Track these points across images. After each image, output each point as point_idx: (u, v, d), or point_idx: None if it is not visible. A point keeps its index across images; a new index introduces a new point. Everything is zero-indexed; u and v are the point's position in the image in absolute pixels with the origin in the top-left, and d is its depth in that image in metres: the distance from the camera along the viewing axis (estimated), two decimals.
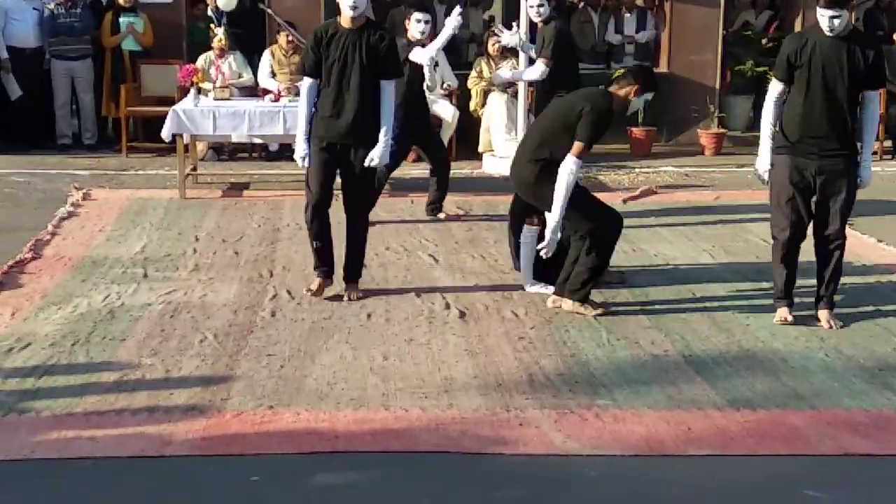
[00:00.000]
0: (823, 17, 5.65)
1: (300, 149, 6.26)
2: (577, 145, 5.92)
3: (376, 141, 6.17)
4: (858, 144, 5.83)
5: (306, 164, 6.23)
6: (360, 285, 6.52)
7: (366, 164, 6.19)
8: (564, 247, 6.14)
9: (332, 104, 6.17)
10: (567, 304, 6.12)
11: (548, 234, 5.99)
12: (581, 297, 6.09)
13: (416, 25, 8.15)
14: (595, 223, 6.05)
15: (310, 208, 6.28)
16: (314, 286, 6.36)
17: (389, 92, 6.24)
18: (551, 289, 6.23)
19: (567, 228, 6.07)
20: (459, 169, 10.19)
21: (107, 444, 4.42)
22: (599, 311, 6.09)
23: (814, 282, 6.03)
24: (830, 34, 5.66)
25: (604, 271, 6.25)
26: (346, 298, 6.33)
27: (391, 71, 6.26)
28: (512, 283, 6.67)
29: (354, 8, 6.09)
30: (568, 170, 5.90)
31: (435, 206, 8.49)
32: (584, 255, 6.06)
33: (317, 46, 6.19)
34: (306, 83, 6.29)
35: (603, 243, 6.08)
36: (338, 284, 6.45)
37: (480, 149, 10.82)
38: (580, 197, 6.08)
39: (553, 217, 5.95)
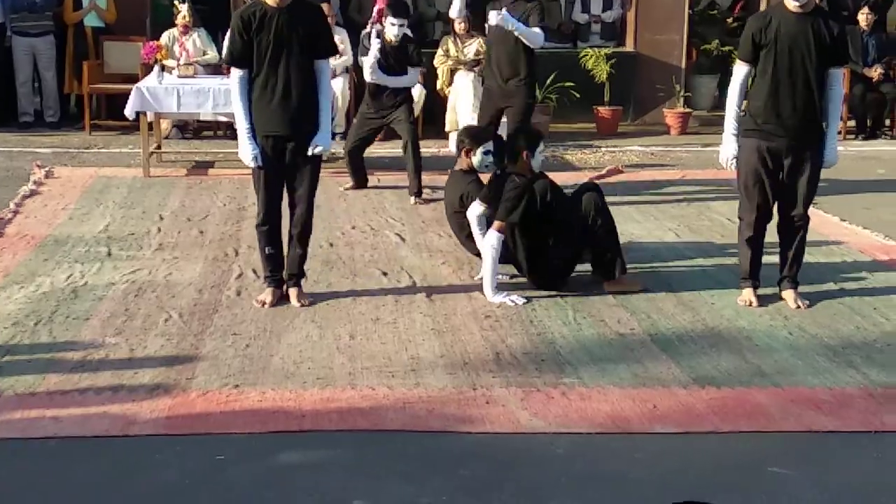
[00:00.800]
0: None
1: (247, 149, 5.68)
2: (497, 223, 6.00)
3: (317, 127, 5.76)
4: (823, 124, 5.85)
5: (259, 163, 5.71)
6: (328, 266, 6.48)
7: (310, 151, 5.72)
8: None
9: (270, 92, 5.65)
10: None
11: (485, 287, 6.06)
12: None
13: (391, 29, 8.29)
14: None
15: (261, 214, 5.82)
16: (267, 297, 5.86)
17: (326, 72, 5.83)
18: (519, 300, 5.94)
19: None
20: (426, 148, 10.14)
21: (71, 424, 4.39)
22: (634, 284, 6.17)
23: (777, 260, 6.07)
24: (798, 7, 5.66)
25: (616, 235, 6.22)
26: (297, 304, 5.86)
27: (326, 48, 5.83)
28: (479, 262, 6.66)
29: None
30: (489, 244, 5.98)
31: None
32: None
33: (245, 31, 5.62)
34: (236, 75, 5.71)
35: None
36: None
37: (447, 128, 10.77)
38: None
39: (485, 282, 6.04)
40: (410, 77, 8.62)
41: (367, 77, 8.54)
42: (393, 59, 8.57)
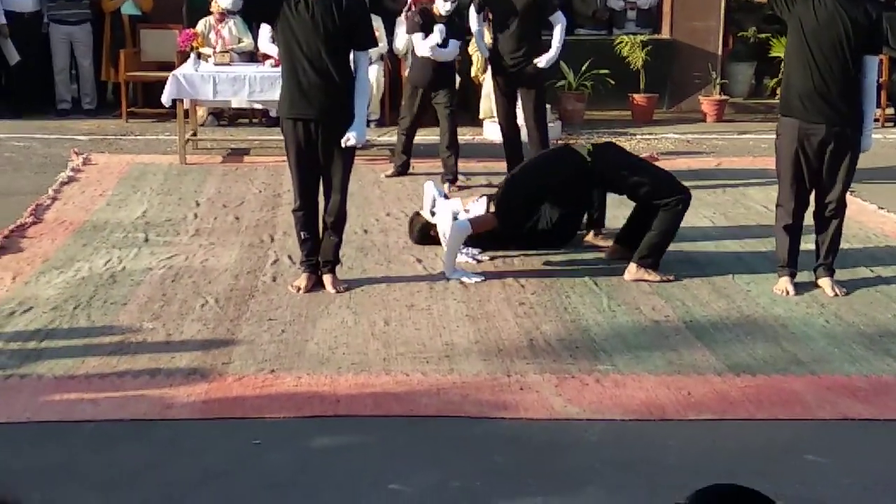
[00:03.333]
0: None
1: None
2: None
3: (352, 117, 5.68)
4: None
5: None
6: (363, 252, 6.50)
7: (343, 143, 5.67)
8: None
9: (303, 77, 5.61)
10: (633, 270, 6.13)
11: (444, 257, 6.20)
12: (651, 264, 6.12)
13: (443, 6, 8.14)
14: (680, 193, 6.18)
15: (297, 199, 5.83)
16: (302, 282, 5.89)
17: (364, 63, 5.76)
18: (474, 278, 6.04)
19: (645, 195, 6.21)
20: (461, 135, 10.12)
21: (108, 407, 4.44)
22: (668, 277, 6.11)
23: (813, 248, 6.03)
24: None
25: (672, 238, 6.24)
26: (332, 290, 5.87)
27: (365, 40, 5.76)
28: (514, 249, 6.67)
29: None
30: (456, 227, 6.16)
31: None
32: (659, 223, 6.11)
33: None
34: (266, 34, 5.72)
35: (678, 211, 6.15)
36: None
37: (481, 115, 10.78)
38: (653, 172, 6.36)
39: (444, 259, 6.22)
40: (451, 49, 8.50)
41: (423, 53, 8.40)
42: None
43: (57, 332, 5.24)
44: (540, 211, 6.50)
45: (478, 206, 6.38)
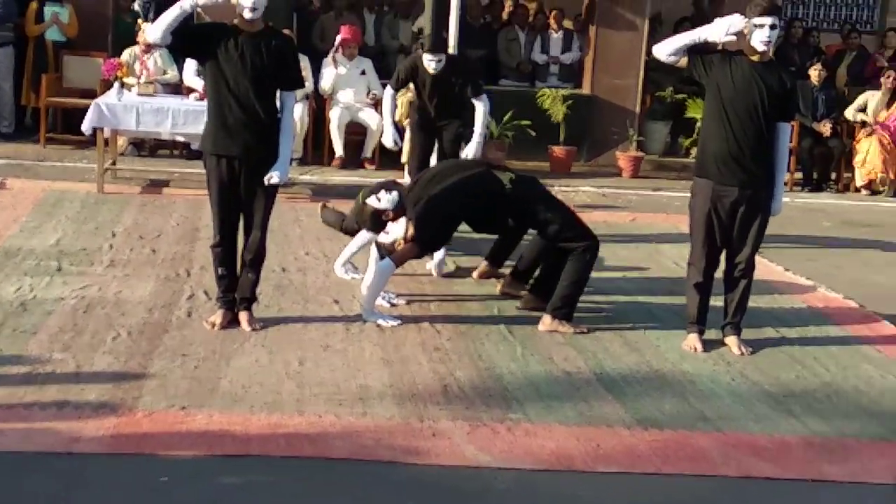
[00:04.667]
0: (762, 26, 5.71)
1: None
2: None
3: (276, 156, 5.71)
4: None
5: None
6: (280, 291, 6.50)
7: (266, 181, 5.68)
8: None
9: (228, 114, 5.62)
10: (546, 321, 6.19)
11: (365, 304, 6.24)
12: (564, 315, 6.18)
13: (428, 65, 7.91)
14: (587, 239, 6.28)
15: (216, 235, 5.82)
16: (217, 319, 5.86)
17: (290, 104, 5.83)
18: (391, 322, 6.09)
19: (553, 234, 6.29)
20: (382, 177, 10.19)
21: (14, 439, 4.36)
22: (581, 329, 6.19)
23: (721, 306, 6.17)
24: (757, 57, 5.79)
25: (583, 288, 6.32)
26: (248, 328, 5.85)
27: (293, 80, 5.82)
28: (430, 294, 6.73)
29: (254, 9, 5.56)
30: (381, 269, 6.23)
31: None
32: (569, 273, 6.19)
33: (207, 31, 5.69)
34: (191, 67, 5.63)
35: (585, 260, 6.24)
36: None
37: (404, 159, 10.81)
38: (567, 213, 6.38)
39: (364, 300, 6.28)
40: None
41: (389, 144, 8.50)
42: (438, 99, 8.09)
43: None
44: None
45: (397, 228, 6.38)
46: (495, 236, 6.96)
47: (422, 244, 6.24)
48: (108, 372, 5.13)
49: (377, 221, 6.35)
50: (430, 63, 7.78)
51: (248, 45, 5.60)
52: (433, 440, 4.64)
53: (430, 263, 6.90)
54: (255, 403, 4.87)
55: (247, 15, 5.58)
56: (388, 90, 8.33)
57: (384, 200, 6.31)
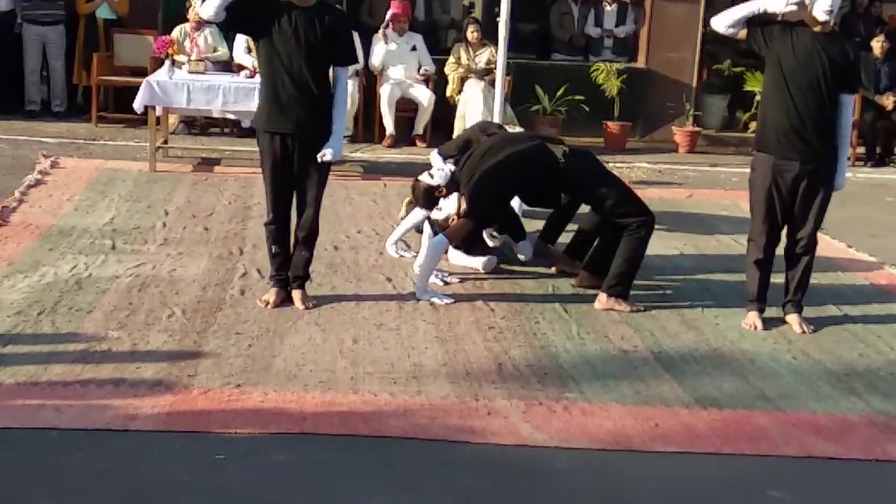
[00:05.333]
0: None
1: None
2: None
3: (329, 132, 5.68)
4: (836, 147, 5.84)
5: None
6: (332, 269, 6.47)
7: (319, 158, 5.65)
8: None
9: (282, 91, 5.60)
10: (602, 299, 6.12)
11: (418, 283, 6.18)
12: (620, 293, 6.10)
13: (428, 179, 6.73)
14: (642, 215, 6.19)
15: (270, 213, 5.81)
16: (270, 297, 5.85)
17: (343, 79, 5.75)
18: (444, 300, 6.05)
19: (608, 223, 6.22)
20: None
21: (72, 416, 4.38)
22: (638, 307, 6.11)
23: (782, 283, 6.06)
24: (819, 28, 5.64)
25: (638, 265, 6.23)
26: (301, 306, 5.82)
27: (346, 56, 5.77)
28: (483, 273, 6.66)
29: None
30: (434, 245, 6.16)
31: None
32: (624, 250, 6.10)
33: (261, 7, 5.59)
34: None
35: (641, 237, 6.15)
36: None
37: (455, 135, 10.78)
38: (622, 188, 6.29)
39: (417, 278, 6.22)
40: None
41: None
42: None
43: (20, 338, 5.16)
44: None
45: (449, 204, 6.32)
46: (549, 210, 6.88)
47: (475, 218, 6.17)
48: (163, 350, 5.14)
49: (430, 198, 6.32)
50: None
51: (301, 20, 5.55)
52: (488, 419, 4.59)
53: (478, 262, 6.72)
54: (310, 381, 4.86)
55: None
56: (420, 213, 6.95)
57: (437, 176, 6.27)
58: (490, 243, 6.94)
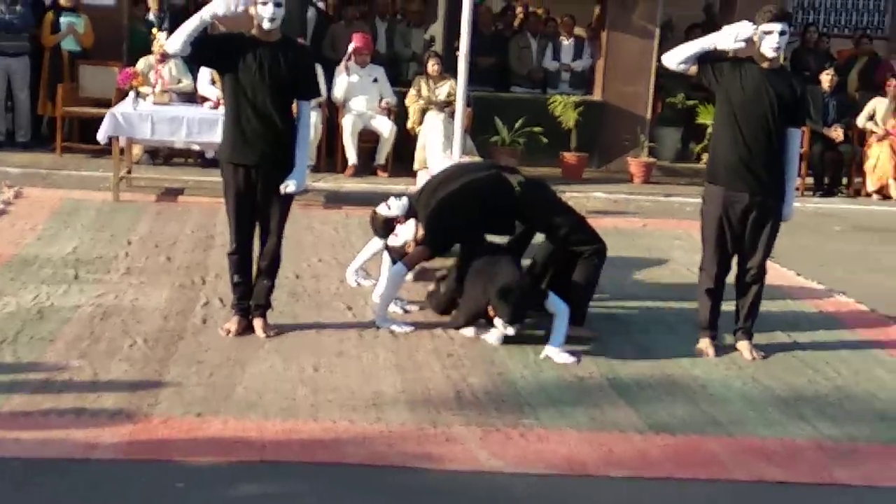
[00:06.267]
0: (772, 33, 5.74)
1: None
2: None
3: (292, 164, 5.75)
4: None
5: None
6: (294, 298, 6.54)
7: (282, 190, 5.73)
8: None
9: (245, 124, 5.66)
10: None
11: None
12: (576, 320, 6.17)
13: (386, 210, 6.68)
14: (595, 243, 6.31)
15: (232, 243, 5.88)
16: (232, 325, 5.91)
17: (307, 112, 5.85)
18: (404, 328, 6.13)
19: (562, 238, 6.30)
20: (396, 185, 10.28)
21: (32, 445, 4.40)
22: (594, 334, 6.23)
23: (733, 311, 6.19)
24: (767, 64, 5.82)
25: (593, 291, 6.36)
26: (263, 335, 5.90)
27: (310, 90, 5.86)
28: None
29: (272, 20, 5.60)
30: (393, 274, 6.24)
31: None
32: (579, 278, 6.22)
33: (226, 43, 5.73)
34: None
35: (594, 264, 6.27)
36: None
37: (416, 166, 10.88)
38: (575, 217, 6.40)
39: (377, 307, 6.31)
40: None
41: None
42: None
43: None
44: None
45: (406, 230, 6.40)
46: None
47: (432, 246, 6.27)
48: (125, 379, 5.18)
49: (389, 229, 6.41)
50: None
51: (265, 55, 5.65)
52: (446, 445, 4.67)
53: (467, 331, 6.34)
54: (270, 409, 4.91)
55: (266, 26, 5.64)
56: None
57: (394, 207, 6.36)
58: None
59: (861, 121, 12.18)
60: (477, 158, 9.60)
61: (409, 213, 6.36)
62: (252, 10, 5.63)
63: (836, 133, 11.97)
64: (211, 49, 5.76)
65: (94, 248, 7.52)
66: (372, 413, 4.95)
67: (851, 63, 13.58)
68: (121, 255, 7.38)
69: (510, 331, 5.95)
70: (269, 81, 5.63)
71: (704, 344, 6.10)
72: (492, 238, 6.63)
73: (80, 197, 9.14)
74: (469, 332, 6.16)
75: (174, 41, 5.64)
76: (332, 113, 11.45)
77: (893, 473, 4.74)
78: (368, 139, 11.44)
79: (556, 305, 6.00)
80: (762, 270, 6.07)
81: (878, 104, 12.16)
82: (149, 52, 10.78)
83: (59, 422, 4.64)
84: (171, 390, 5.07)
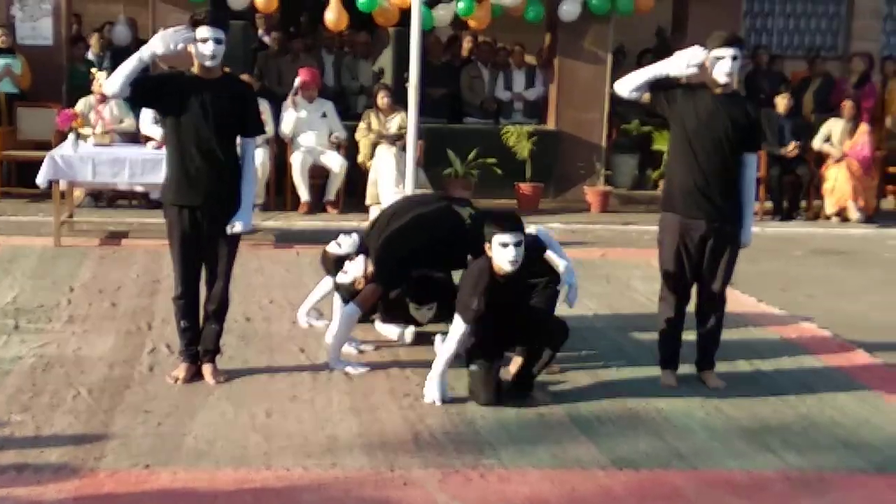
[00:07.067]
0: (724, 58, 5.68)
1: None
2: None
3: (238, 204, 5.63)
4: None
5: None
6: (244, 341, 6.38)
7: (229, 230, 5.60)
8: None
9: (189, 164, 5.54)
10: (517, 362, 6.00)
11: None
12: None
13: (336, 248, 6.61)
14: (549, 273, 6.14)
15: (178, 287, 5.72)
16: (180, 373, 5.75)
17: (251, 150, 5.70)
18: (359, 369, 6.00)
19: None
20: (348, 221, 10.15)
21: None
22: (553, 369, 6.07)
23: (695, 340, 6.10)
24: (720, 90, 5.75)
25: None
26: (212, 381, 5.74)
27: (253, 127, 5.73)
28: (397, 340, 6.61)
29: (213, 58, 5.49)
30: (346, 314, 6.11)
31: None
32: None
33: (167, 83, 5.64)
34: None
35: (548, 295, 6.11)
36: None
37: (367, 201, 10.76)
38: None
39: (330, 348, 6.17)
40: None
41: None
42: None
43: None
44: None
45: (355, 267, 6.25)
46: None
47: (383, 282, 6.13)
48: (69, 433, 5.00)
49: (340, 268, 6.27)
50: None
51: (207, 93, 5.53)
52: (405, 490, 4.53)
53: (394, 333, 6.50)
54: (221, 458, 4.76)
55: (207, 63, 5.52)
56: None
57: (344, 245, 6.23)
58: (416, 315, 6.77)
59: (817, 143, 12.23)
60: (429, 191, 9.50)
61: (360, 249, 6.22)
62: (191, 49, 5.49)
63: (792, 146, 11.90)
64: (150, 90, 5.62)
65: (35, 297, 7.30)
66: (327, 459, 4.80)
67: (805, 84, 13.65)
68: (63, 303, 7.17)
69: (419, 315, 6.07)
70: (212, 120, 5.50)
71: (666, 375, 6.00)
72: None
73: (19, 243, 8.92)
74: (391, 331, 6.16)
75: (112, 83, 5.50)
76: (281, 149, 11.31)
77: (859, 501, 4.67)
78: (318, 175, 11.30)
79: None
80: (722, 298, 5.98)
81: (833, 125, 12.21)
82: (89, 92, 10.61)
83: (1, 479, 4.45)
84: (117, 442, 4.90)
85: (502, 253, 5.46)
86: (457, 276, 6.76)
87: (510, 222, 5.52)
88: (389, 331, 6.66)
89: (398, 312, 6.62)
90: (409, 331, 6.61)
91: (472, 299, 5.53)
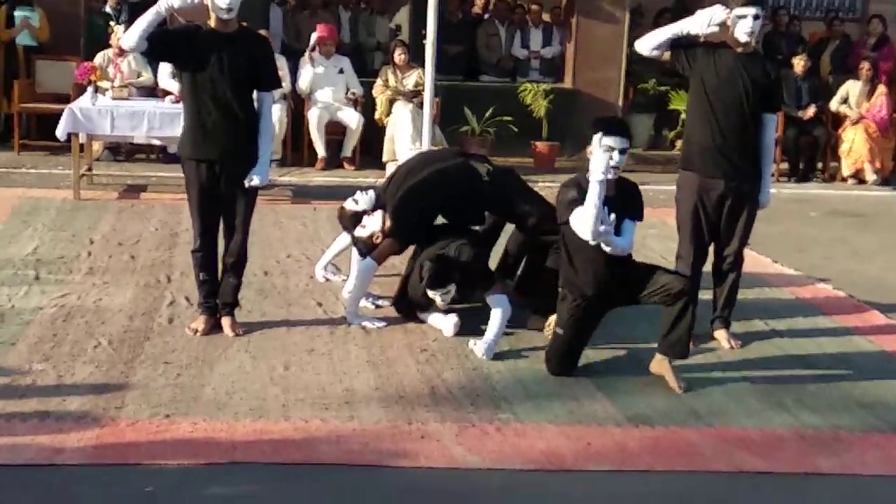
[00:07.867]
0: (745, 17, 5.66)
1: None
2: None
3: (256, 158, 5.62)
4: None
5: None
6: (262, 295, 6.41)
7: (246, 184, 5.60)
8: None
9: (206, 118, 5.54)
10: (534, 319, 6.13)
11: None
12: (551, 312, 5.99)
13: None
14: None
15: (196, 240, 5.74)
16: (199, 325, 5.77)
17: (269, 104, 5.73)
18: (376, 324, 6.01)
19: (531, 226, 6.20)
20: (364, 178, 10.16)
21: None
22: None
23: (710, 299, 6.11)
24: (740, 49, 5.73)
25: None
26: (231, 334, 5.76)
27: (270, 81, 5.73)
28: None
29: (229, 10, 5.46)
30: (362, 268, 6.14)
31: None
32: (554, 265, 6.05)
33: (183, 37, 5.59)
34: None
35: None
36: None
37: (384, 158, 10.78)
38: (545, 206, 6.26)
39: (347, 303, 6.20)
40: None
41: None
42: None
43: None
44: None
45: (373, 221, 6.26)
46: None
47: (400, 237, 6.15)
48: (90, 382, 5.04)
49: (357, 223, 6.29)
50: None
51: (224, 47, 5.52)
52: (421, 443, 4.57)
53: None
54: (240, 410, 4.80)
55: (223, 16, 5.50)
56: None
57: (361, 202, 6.24)
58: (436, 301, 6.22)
59: (834, 104, 12.15)
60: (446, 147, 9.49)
61: (377, 206, 6.24)
62: (207, 1, 5.48)
63: (809, 111, 11.86)
64: (167, 44, 5.62)
65: (55, 248, 7.34)
66: (345, 411, 4.85)
67: (823, 46, 13.53)
68: (83, 255, 7.21)
69: (439, 300, 5.88)
70: (228, 74, 5.50)
71: None
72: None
73: (39, 195, 8.96)
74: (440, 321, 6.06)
75: (129, 37, 5.50)
76: (298, 105, 11.30)
77: (875, 461, 4.70)
78: (335, 131, 11.29)
79: (498, 302, 5.85)
80: (739, 258, 5.99)
81: (850, 87, 12.13)
82: (107, 45, 10.60)
83: (24, 427, 4.51)
84: (137, 392, 4.94)
85: (601, 157, 5.42)
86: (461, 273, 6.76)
87: (616, 126, 5.53)
88: (438, 321, 6.18)
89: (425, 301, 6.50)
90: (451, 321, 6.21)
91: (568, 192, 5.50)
